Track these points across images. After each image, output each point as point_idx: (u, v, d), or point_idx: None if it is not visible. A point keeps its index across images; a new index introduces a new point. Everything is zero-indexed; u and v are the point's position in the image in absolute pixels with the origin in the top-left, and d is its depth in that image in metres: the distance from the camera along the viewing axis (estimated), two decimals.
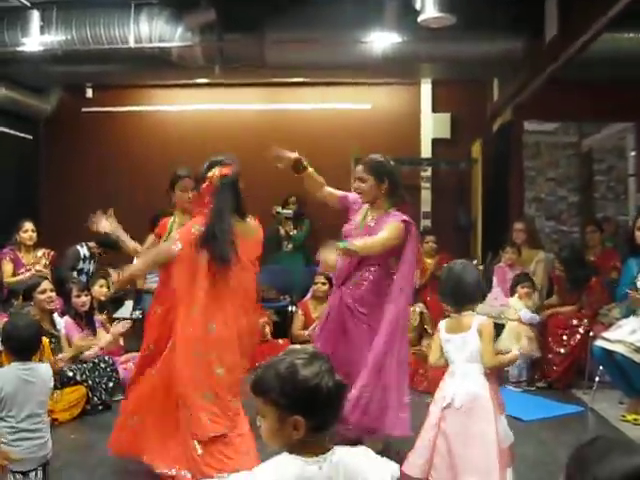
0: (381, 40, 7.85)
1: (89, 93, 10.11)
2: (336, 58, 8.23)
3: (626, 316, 5.79)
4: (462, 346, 3.55)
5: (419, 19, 6.80)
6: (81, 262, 7.66)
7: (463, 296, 3.59)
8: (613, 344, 5.49)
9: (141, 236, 7.76)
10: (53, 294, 5.78)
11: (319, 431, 2.00)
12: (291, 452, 1.99)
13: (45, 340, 5.26)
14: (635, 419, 5.43)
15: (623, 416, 5.53)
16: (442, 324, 3.71)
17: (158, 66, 8.39)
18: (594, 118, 9.61)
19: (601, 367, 5.96)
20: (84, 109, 10.03)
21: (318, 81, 9.57)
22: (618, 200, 11.21)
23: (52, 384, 3.66)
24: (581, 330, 6.53)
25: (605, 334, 5.66)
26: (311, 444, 1.99)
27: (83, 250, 7.72)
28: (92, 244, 7.78)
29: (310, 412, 1.95)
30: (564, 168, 11.37)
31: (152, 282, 7.86)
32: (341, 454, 2.04)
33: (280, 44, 8.04)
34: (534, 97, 7.93)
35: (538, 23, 7.22)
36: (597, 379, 6.09)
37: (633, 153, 9.68)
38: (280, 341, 7.41)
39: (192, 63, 8.22)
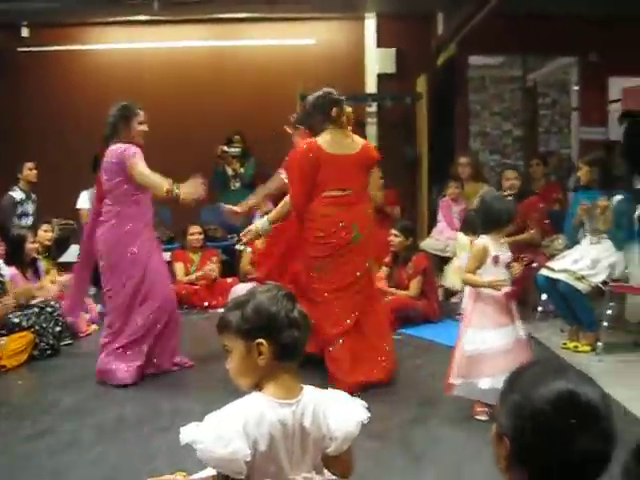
0: None
1: (25, 32, 9.73)
2: None
3: (569, 247, 5.95)
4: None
5: None
6: (19, 206, 7.49)
7: (489, 222, 4.05)
8: (557, 273, 5.64)
9: (82, 176, 7.58)
10: None
11: (285, 359, 2.03)
12: (264, 392, 2.02)
13: None
14: (575, 346, 5.61)
15: (564, 344, 5.71)
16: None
17: (95, 2, 8.15)
18: (538, 51, 9.64)
19: (544, 297, 6.12)
20: (20, 49, 9.66)
21: (261, 16, 9.39)
22: (562, 134, 11.33)
23: None
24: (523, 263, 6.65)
25: (549, 264, 5.82)
26: (282, 382, 2.03)
27: (16, 194, 7.52)
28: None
29: (271, 334, 2.00)
30: (509, 102, 11.41)
31: None
32: (311, 395, 2.08)
33: None
34: (478, 31, 7.90)
35: None
36: (540, 309, 6.27)
37: (576, 87, 9.75)
38: (229, 280, 7.44)
39: None
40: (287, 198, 4.87)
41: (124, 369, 4.82)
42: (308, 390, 2.10)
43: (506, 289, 3.96)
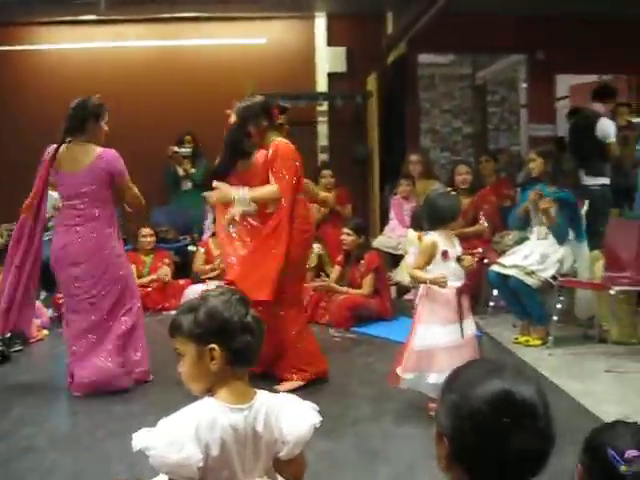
0: None
1: None
2: None
3: (519, 243, 6.03)
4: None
5: None
6: None
7: (435, 218, 4.08)
8: (508, 269, 5.72)
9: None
10: None
11: (237, 364, 2.02)
12: (216, 398, 2.01)
13: None
14: (527, 340, 5.69)
15: (516, 338, 5.79)
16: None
17: (42, 2, 8.03)
18: (487, 50, 9.75)
19: (495, 292, 6.20)
20: None
21: (212, 16, 9.34)
22: (511, 131, 11.52)
23: None
24: (476, 257, 6.72)
25: (500, 260, 5.90)
26: (234, 388, 2.02)
27: None
28: None
29: (224, 339, 1.99)
30: (458, 100, 11.57)
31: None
32: (263, 399, 2.07)
33: None
34: (427, 30, 7.96)
35: None
36: (492, 304, 6.36)
37: (525, 85, 9.90)
38: (181, 281, 7.39)
39: None
40: (271, 188, 4.55)
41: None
42: (262, 395, 2.09)
43: (457, 284, 3.99)
